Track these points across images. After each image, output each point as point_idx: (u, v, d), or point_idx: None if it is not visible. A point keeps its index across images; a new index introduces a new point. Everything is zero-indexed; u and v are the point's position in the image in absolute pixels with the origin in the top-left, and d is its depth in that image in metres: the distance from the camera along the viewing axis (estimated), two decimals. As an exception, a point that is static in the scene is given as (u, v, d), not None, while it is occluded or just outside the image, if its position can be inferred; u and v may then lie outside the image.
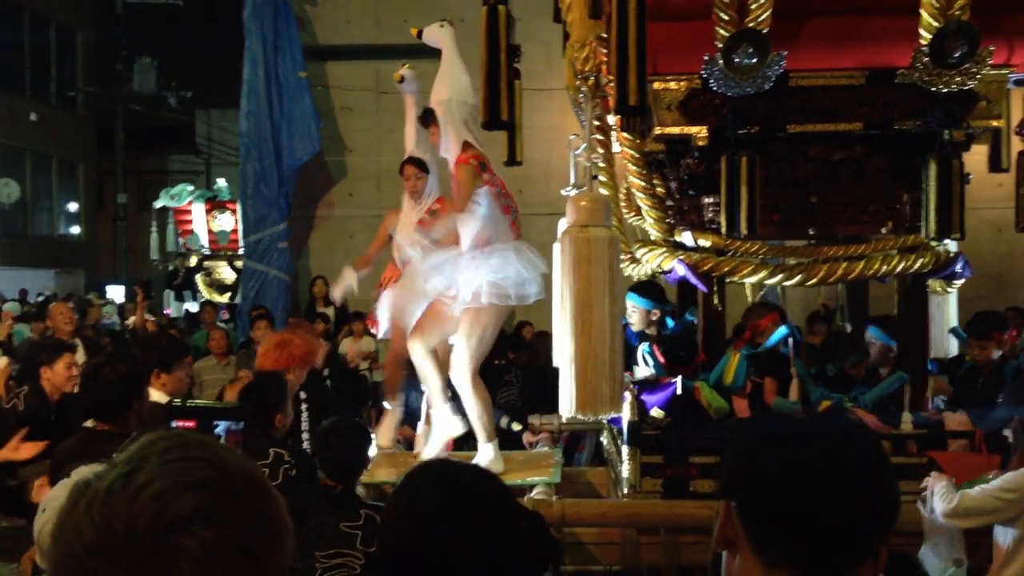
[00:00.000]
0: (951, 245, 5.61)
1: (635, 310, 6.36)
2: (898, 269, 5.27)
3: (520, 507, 2.02)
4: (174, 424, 3.36)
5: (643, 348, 6.32)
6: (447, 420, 5.62)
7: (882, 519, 1.45)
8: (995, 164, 5.62)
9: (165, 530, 0.94)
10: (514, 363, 8.05)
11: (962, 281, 5.90)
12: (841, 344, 6.27)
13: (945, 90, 4.75)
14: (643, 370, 6.12)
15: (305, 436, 5.68)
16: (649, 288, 6.43)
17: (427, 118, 5.45)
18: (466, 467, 2.01)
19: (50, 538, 0.99)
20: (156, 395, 4.77)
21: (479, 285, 5.21)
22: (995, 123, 5.09)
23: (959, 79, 4.72)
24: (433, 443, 5.72)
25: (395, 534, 1.82)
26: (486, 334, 5.35)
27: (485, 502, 1.81)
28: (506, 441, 6.77)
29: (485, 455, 5.43)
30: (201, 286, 15.91)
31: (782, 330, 5.62)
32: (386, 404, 6.19)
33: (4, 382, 6.71)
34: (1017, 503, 4.11)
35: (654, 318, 6.39)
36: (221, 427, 3.61)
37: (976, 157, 5.77)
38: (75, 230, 25.65)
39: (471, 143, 5.25)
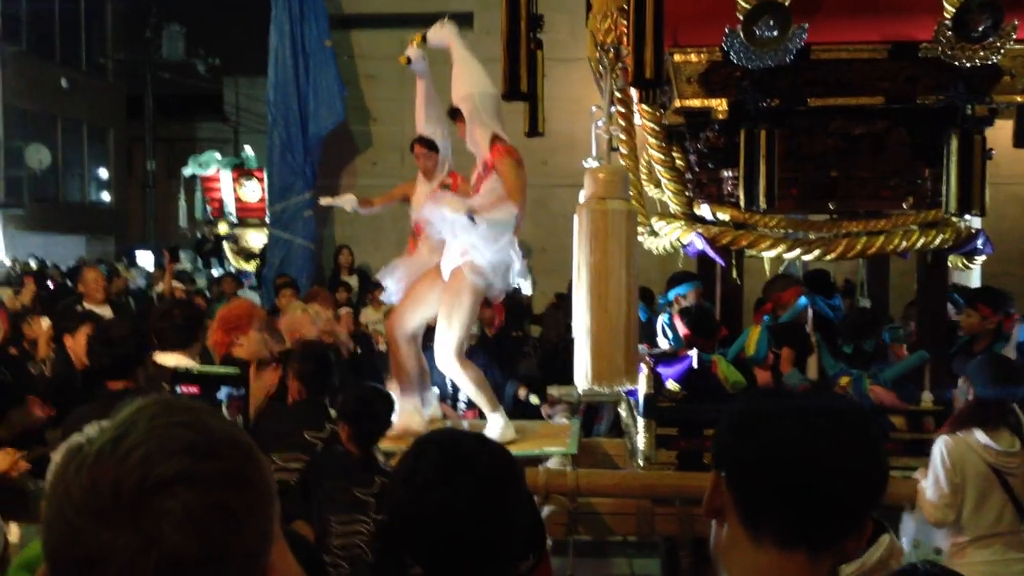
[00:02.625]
0: (975, 221, 5.56)
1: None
2: (918, 245, 5.24)
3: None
4: (179, 389, 3.45)
5: (663, 319, 6.34)
6: (414, 412, 5.69)
7: (868, 493, 1.47)
8: (1020, 139, 5.55)
9: (149, 492, 0.98)
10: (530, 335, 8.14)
11: (983, 257, 5.85)
12: (866, 319, 6.22)
13: (968, 64, 4.70)
14: (662, 342, 6.15)
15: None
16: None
17: (454, 115, 5.55)
18: (472, 436, 2.03)
19: (44, 499, 1.04)
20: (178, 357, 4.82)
21: (462, 261, 5.30)
22: (1019, 98, 5.02)
23: (983, 53, 4.66)
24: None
25: (396, 501, 1.86)
26: (468, 314, 5.43)
27: (487, 472, 1.83)
28: (524, 412, 6.84)
29: (495, 424, 5.50)
30: (228, 254, 16.04)
31: (802, 301, 5.61)
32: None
33: (47, 341, 6.85)
34: (949, 476, 4.16)
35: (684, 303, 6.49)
36: (223, 392, 3.69)
37: (1003, 132, 5.71)
38: (105, 196, 25.89)
39: (500, 135, 5.34)
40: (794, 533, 1.44)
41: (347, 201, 6.26)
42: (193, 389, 3.54)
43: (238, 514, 1.02)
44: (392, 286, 6.02)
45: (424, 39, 5.74)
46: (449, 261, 5.45)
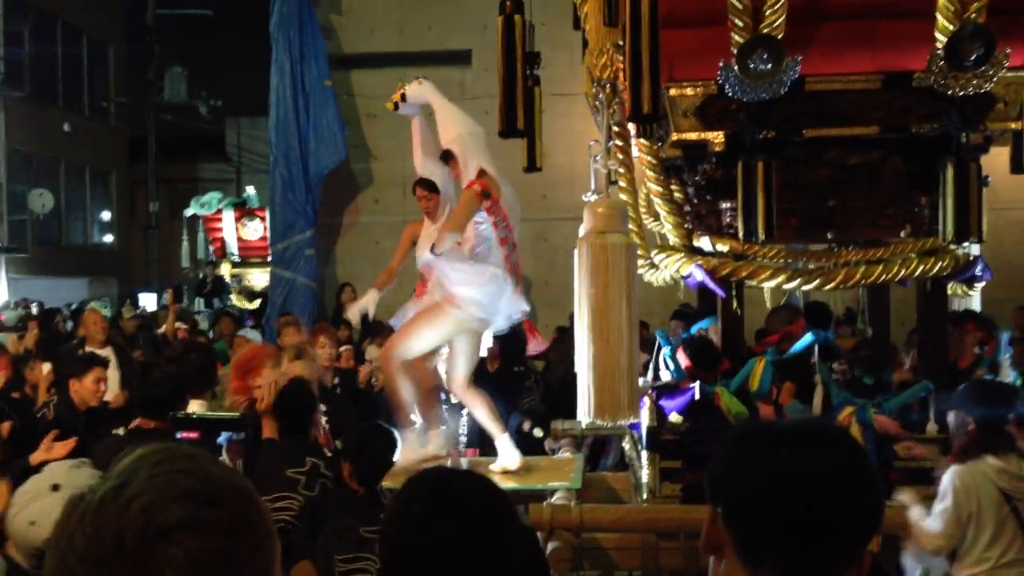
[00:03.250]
0: (973, 248, 5.57)
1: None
2: (917, 272, 5.25)
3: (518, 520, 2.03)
4: (179, 435, 3.46)
5: (665, 352, 6.34)
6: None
7: (865, 518, 1.46)
8: (1016, 166, 5.58)
9: (152, 540, 0.99)
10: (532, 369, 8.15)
11: (983, 284, 5.86)
12: (883, 350, 6.22)
13: (962, 93, 4.73)
14: (664, 374, 6.14)
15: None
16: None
17: (446, 157, 5.66)
18: (464, 473, 2.05)
19: (46, 548, 1.05)
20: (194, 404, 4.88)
21: (463, 298, 5.40)
22: (1013, 125, 5.05)
23: (976, 82, 4.70)
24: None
25: (391, 537, 1.86)
26: (436, 336, 5.56)
27: (481, 507, 1.84)
28: (528, 447, 6.81)
29: (505, 448, 5.58)
30: (233, 295, 16.06)
31: (808, 337, 5.60)
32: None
33: (46, 387, 6.86)
34: (961, 506, 4.11)
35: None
36: (223, 437, 3.70)
37: (1001, 158, 5.74)
38: (108, 239, 25.97)
39: (487, 170, 5.48)
40: (794, 567, 1.43)
41: (371, 301, 6.30)
42: (193, 435, 3.55)
43: (240, 560, 1.03)
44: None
45: (403, 97, 5.89)
46: (439, 294, 5.56)
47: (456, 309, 5.46)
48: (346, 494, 4.28)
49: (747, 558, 1.45)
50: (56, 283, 21.21)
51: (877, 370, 5.76)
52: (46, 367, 7.39)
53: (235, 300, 15.85)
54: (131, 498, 1.01)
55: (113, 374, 7.26)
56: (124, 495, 1.01)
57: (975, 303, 6.75)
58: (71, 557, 1.00)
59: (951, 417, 4.40)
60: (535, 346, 6.59)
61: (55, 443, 4.74)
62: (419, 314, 5.60)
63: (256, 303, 15.60)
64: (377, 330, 10.44)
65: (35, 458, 4.75)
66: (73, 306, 16.16)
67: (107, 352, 7.93)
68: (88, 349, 7.79)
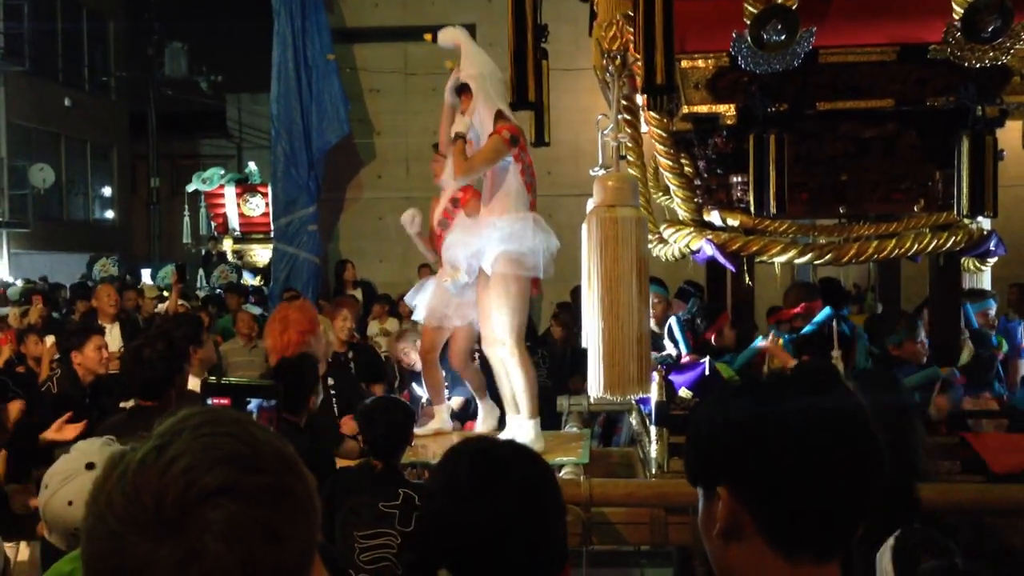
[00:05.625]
0: (984, 223, 5.53)
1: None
2: (930, 247, 5.21)
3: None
4: (210, 401, 3.43)
5: (673, 322, 6.30)
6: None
7: (878, 486, 1.36)
8: (1030, 141, 5.54)
9: (192, 502, 0.96)
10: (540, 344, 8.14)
11: (995, 259, 5.82)
12: (883, 323, 6.17)
13: (978, 65, 4.68)
14: (669, 347, 6.11)
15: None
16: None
17: (461, 90, 5.61)
18: (506, 444, 2.02)
19: (84, 507, 1.02)
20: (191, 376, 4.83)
21: (498, 253, 5.33)
22: (1029, 99, 5.00)
23: (992, 54, 4.64)
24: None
25: (434, 510, 1.83)
26: (520, 303, 5.44)
27: (524, 479, 1.80)
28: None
29: (527, 432, 5.47)
30: (218, 271, 16.00)
31: (827, 311, 5.55)
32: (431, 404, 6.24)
33: (49, 360, 6.85)
34: None
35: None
36: (253, 404, 3.66)
37: (1011, 133, 5.68)
38: (109, 214, 25.93)
39: (504, 113, 5.40)
40: (831, 545, 1.33)
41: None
42: (224, 401, 3.51)
43: (280, 528, 0.99)
44: (420, 302, 6.01)
45: (434, 39, 5.81)
46: (488, 260, 5.46)
47: (515, 266, 5.38)
48: (365, 470, 4.25)
49: (780, 542, 1.31)
50: (58, 258, 21.20)
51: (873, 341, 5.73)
52: (49, 340, 7.38)
53: (218, 276, 15.75)
54: (172, 459, 0.98)
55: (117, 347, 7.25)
56: (165, 456, 0.98)
57: (986, 278, 6.70)
58: (110, 516, 0.97)
59: None
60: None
61: (66, 424, 4.73)
62: (492, 297, 5.46)
63: (259, 279, 15.59)
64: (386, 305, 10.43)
65: (46, 437, 4.74)
66: (77, 279, 16.11)
67: (114, 327, 7.94)
68: (100, 323, 7.79)
